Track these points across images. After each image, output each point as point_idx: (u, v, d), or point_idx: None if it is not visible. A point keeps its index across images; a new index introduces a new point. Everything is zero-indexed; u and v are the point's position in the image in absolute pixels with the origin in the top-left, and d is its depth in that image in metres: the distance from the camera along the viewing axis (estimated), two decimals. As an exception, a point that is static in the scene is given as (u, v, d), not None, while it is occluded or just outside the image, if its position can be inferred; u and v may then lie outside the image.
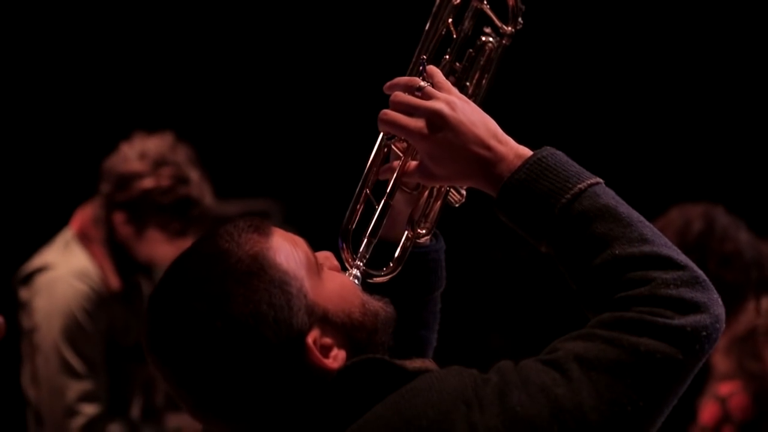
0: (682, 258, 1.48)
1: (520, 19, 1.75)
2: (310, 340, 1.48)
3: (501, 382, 1.42)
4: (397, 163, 1.66)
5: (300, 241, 1.56)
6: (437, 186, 1.69)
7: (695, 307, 1.43)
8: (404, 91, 1.60)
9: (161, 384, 3.49)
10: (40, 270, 3.31)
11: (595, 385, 1.39)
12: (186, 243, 3.24)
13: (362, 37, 5.35)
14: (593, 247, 1.47)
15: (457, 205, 1.70)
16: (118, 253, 3.33)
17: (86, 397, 3.24)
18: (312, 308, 1.50)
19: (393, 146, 1.66)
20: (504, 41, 1.76)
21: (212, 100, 5.46)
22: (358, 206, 1.67)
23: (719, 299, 1.47)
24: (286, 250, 1.52)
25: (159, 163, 3.29)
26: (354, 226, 1.66)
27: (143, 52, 5.30)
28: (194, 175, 3.32)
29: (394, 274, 1.68)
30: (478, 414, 1.40)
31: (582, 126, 5.27)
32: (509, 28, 1.75)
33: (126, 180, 3.28)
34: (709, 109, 5.28)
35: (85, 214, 3.37)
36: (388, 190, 1.66)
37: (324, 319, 1.51)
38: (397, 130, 1.58)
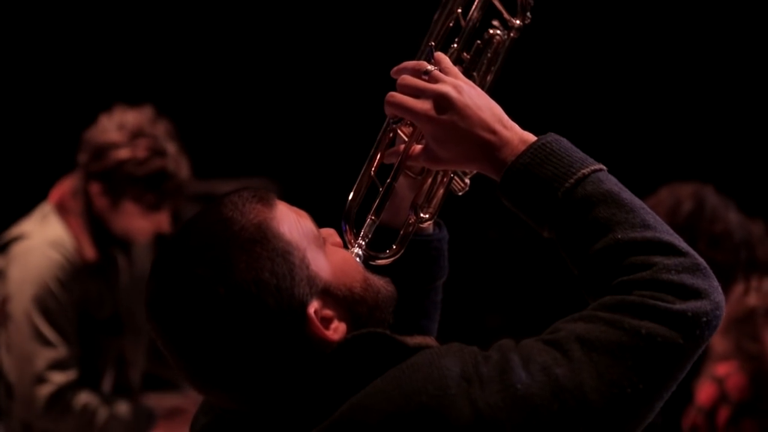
0: (684, 245, 1.49)
1: (528, 14, 1.77)
2: (311, 310, 1.49)
3: (502, 359, 1.42)
4: (402, 147, 1.66)
5: (304, 215, 1.56)
6: (441, 171, 1.69)
7: (696, 293, 1.44)
8: (411, 75, 1.60)
9: (137, 362, 3.51)
10: (16, 239, 3.32)
11: (595, 366, 1.40)
12: (161, 217, 3.29)
13: (366, 18, 5.34)
14: (595, 231, 1.48)
15: (460, 194, 1.71)
16: (94, 225, 3.33)
17: (56, 366, 3.23)
18: (314, 279, 1.50)
19: (399, 130, 1.67)
20: (512, 34, 1.77)
21: (210, 80, 5.46)
22: (362, 188, 1.67)
23: (719, 287, 1.48)
24: (290, 220, 1.53)
25: (136, 135, 3.28)
26: (357, 208, 1.67)
27: (137, 30, 5.28)
28: (171, 148, 3.31)
29: (397, 256, 1.69)
30: (478, 390, 1.40)
31: (573, 108, 5.27)
32: (517, 22, 1.77)
33: (102, 150, 3.28)
34: (699, 89, 5.28)
35: (64, 186, 3.37)
36: (392, 172, 1.66)
37: (325, 291, 1.51)
38: (403, 112, 1.59)
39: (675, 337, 1.41)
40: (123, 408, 3.33)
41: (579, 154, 1.54)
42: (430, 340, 1.55)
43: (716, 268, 3.01)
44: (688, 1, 5.27)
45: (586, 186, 1.50)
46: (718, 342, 3.12)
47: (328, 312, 1.51)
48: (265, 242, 1.48)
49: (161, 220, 3.34)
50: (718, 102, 5.27)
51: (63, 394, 3.24)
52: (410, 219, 1.70)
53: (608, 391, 1.40)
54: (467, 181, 1.70)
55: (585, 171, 1.51)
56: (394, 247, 1.69)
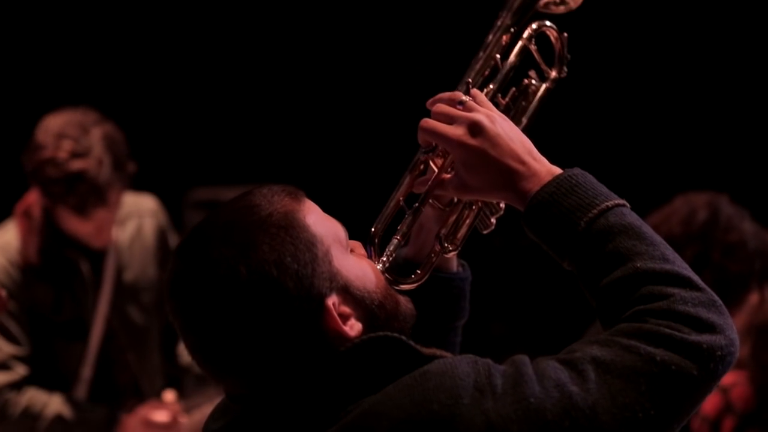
0: (701, 282, 1.52)
1: (565, 67, 1.81)
2: (329, 302, 1.51)
3: (516, 373, 1.44)
4: (432, 176, 1.69)
5: (334, 219, 1.60)
6: (468, 206, 1.72)
7: (711, 327, 1.47)
8: (446, 104, 1.64)
9: (142, 366, 3.50)
10: None
11: (609, 388, 1.42)
12: (98, 221, 3.26)
13: (381, 31, 5.34)
14: (615, 260, 1.51)
15: (485, 232, 1.74)
16: (50, 228, 3.32)
17: None
18: (335, 275, 1.53)
19: (430, 161, 1.69)
20: (547, 85, 1.80)
21: (218, 87, 5.45)
22: (389, 213, 1.69)
23: (734, 325, 1.50)
24: (317, 216, 1.56)
25: (60, 136, 3.25)
26: (382, 232, 1.68)
27: (144, 37, 5.28)
28: (97, 150, 3.25)
29: (420, 282, 1.70)
30: (491, 401, 1.41)
31: (587, 117, 5.25)
32: (554, 74, 1.81)
33: (31, 151, 3.28)
34: (713, 98, 5.27)
35: (33, 193, 3.36)
36: (421, 198, 1.69)
37: (345, 290, 1.54)
38: (435, 138, 1.62)
39: (689, 367, 1.44)
40: (74, 411, 3.31)
41: (603, 188, 1.57)
42: (445, 353, 1.55)
43: (730, 277, 3.04)
44: (706, 11, 5.26)
45: (608, 217, 1.53)
46: None
47: (346, 309, 1.53)
48: (291, 230, 1.52)
49: (99, 225, 3.32)
50: (732, 111, 5.26)
51: (2, 394, 3.25)
52: (435, 248, 1.72)
53: (620, 414, 1.41)
54: (493, 221, 1.73)
55: (608, 204, 1.54)
56: (418, 272, 1.70)
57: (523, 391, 1.42)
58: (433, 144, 1.66)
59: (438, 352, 1.53)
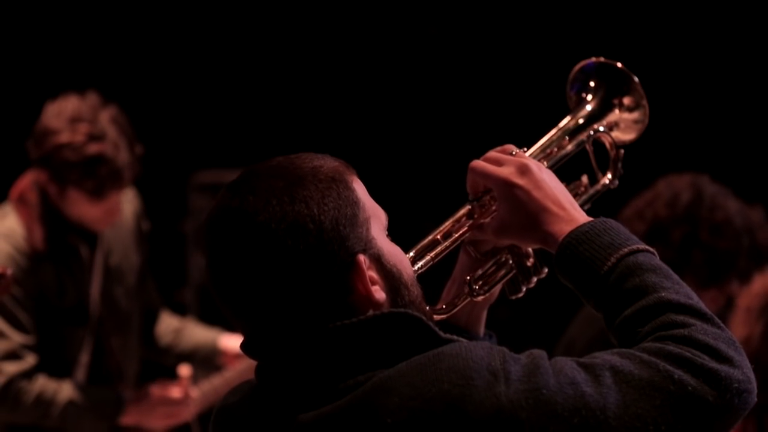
0: (722, 323, 1.54)
1: (616, 180, 1.86)
2: (361, 258, 1.52)
3: (532, 364, 1.45)
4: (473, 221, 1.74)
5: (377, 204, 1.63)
6: (503, 260, 1.76)
7: (729, 361, 1.48)
8: (498, 152, 1.72)
9: (124, 350, 3.51)
10: None
11: (623, 397, 1.43)
12: (110, 204, 3.27)
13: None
14: (641, 292, 1.54)
15: (512, 297, 1.79)
16: (50, 214, 3.32)
17: (7, 356, 3.24)
18: (371, 242, 1.55)
19: (475, 208, 1.73)
20: (597, 188, 1.85)
21: (219, 70, 5.44)
22: (424, 248, 1.72)
23: (751, 368, 1.51)
24: (363, 188, 1.59)
25: (74, 120, 3.25)
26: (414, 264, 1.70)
27: (142, 21, 5.27)
28: (111, 133, 3.26)
29: (445, 316, 1.75)
30: (503, 386, 1.42)
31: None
32: (605, 180, 1.86)
33: (42, 136, 3.27)
34: (686, 81, 5.28)
35: (25, 179, 3.36)
36: (461, 232, 1.74)
37: (378, 259, 1.55)
38: (483, 177, 1.68)
39: (706, 393, 1.45)
40: (85, 395, 3.32)
41: (634, 236, 1.62)
42: (463, 339, 1.56)
43: (720, 255, 3.03)
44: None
45: (638, 257, 1.57)
46: (743, 325, 3.10)
47: (374, 276, 1.54)
48: (339, 184, 1.54)
49: (110, 207, 3.33)
50: (706, 95, 5.27)
51: (15, 383, 3.24)
52: (463, 290, 1.75)
53: (631, 423, 1.42)
54: (523, 288, 1.77)
55: (639, 246, 1.59)
56: (444, 306, 1.75)
57: (537, 381, 1.43)
58: (481, 188, 1.72)
59: (456, 337, 1.54)
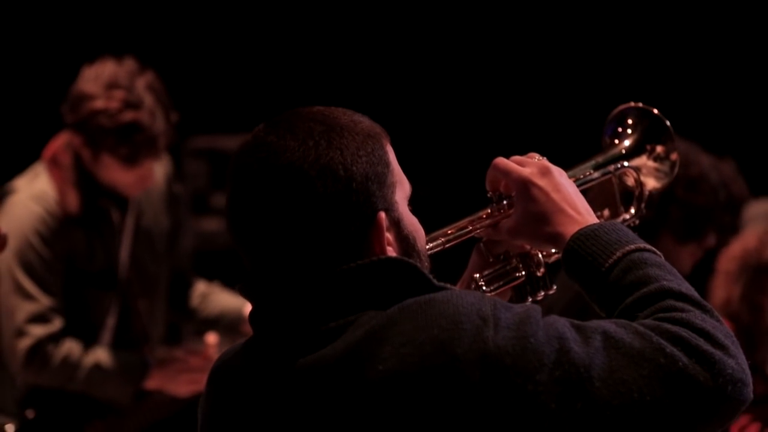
0: (720, 317, 1.55)
1: (638, 219, 1.89)
2: (382, 215, 1.55)
3: (524, 314, 1.48)
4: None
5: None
6: (513, 267, 1.78)
7: (725, 348, 1.49)
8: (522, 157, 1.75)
9: (152, 314, 3.53)
10: (5, 194, 3.35)
11: (610, 361, 1.45)
12: (143, 171, 3.27)
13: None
14: (643, 282, 1.57)
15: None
16: (83, 178, 3.32)
17: (35, 319, 3.25)
18: (393, 205, 1.58)
19: (492, 210, 1.76)
20: (618, 220, 1.88)
21: (217, 34, 5.42)
22: (439, 238, 1.74)
23: (747, 364, 1.51)
24: (394, 156, 1.62)
25: (111, 86, 3.25)
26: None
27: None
28: (148, 100, 3.26)
29: None
30: (492, 331, 1.44)
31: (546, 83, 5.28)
32: (626, 216, 1.90)
33: (78, 101, 3.27)
34: (658, 46, 5.30)
35: (58, 141, 3.36)
36: (476, 227, 1.77)
37: (397, 224, 1.58)
38: (504, 174, 1.71)
39: (697, 372, 1.45)
40: (111, 358, 3.35)
41: (641, 239, 1.65)
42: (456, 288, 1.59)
43: (697, 210, 3.05)
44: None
45: (643, 253, 1.60)
46: (723, 288, 3.12)
47: (390, 237, 1.57)
48: (375, 143, 1.57)
49: (144, 174, 3.33)
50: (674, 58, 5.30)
51: (42, 346, 3.25)
52: (470, 288, 1.77)
53: (614, 387, 1.43)
54: (528, 299, 1.78)
55: (646, 246, 1.62)
56: None
57: (525, 330, 1.45)
58: (500, 184, 1.74)
59: (449, 285, 1.56)
